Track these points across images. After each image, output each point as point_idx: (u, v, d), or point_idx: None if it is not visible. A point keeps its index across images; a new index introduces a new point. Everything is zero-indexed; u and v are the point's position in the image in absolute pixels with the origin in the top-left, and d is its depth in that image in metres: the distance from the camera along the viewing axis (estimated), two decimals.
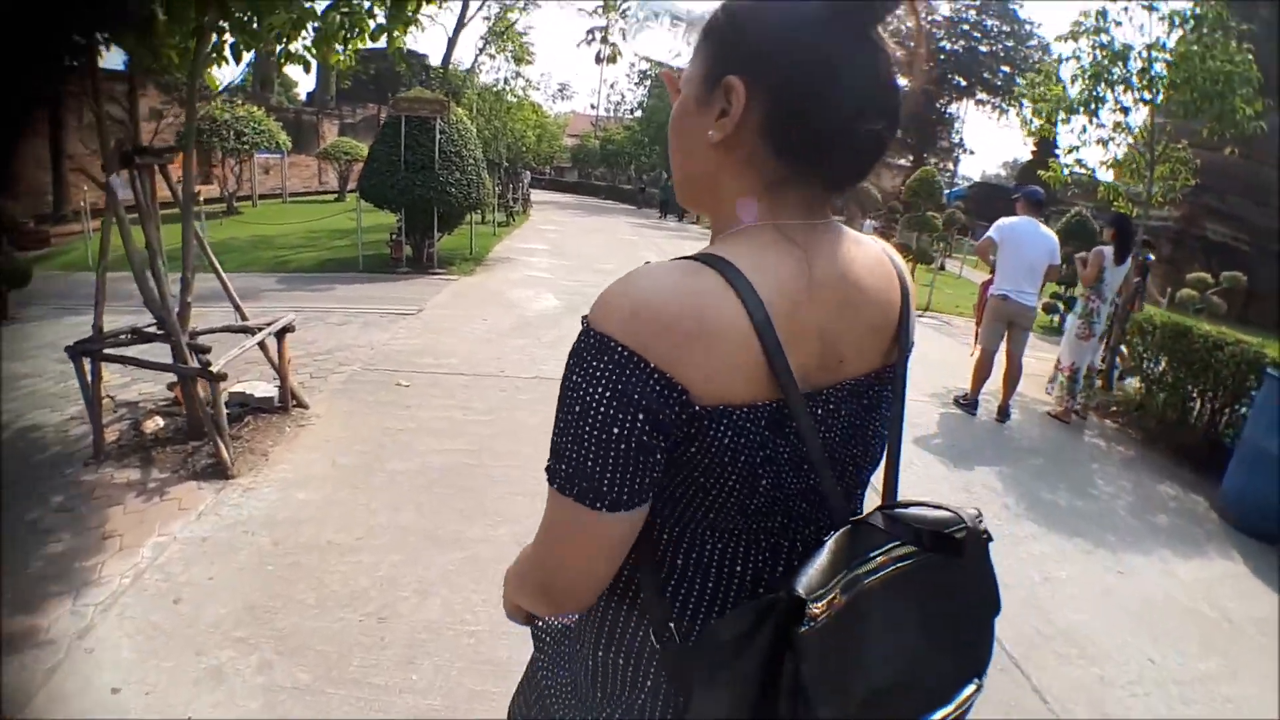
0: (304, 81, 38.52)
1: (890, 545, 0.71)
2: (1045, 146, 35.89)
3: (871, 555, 0.70)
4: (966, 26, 41.30)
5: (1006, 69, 40.46)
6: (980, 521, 0.74)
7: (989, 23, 41.36)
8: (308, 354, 6.45)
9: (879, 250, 0.84)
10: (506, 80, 19.73)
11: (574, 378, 0.67)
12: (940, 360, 8.48)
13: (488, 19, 18.89)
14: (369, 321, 7.72)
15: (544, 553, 0.74)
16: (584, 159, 47.46)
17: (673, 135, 0.84)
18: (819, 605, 0.63)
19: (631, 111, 41.03)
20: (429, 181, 10.44)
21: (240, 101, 21.56)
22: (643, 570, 0.79)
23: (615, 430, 0.64)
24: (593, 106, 56.83)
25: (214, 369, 4.06)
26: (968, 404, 6.56)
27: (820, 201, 0.77)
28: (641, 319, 0.64)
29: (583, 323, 0.69)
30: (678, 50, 32.63)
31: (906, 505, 0.73)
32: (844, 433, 0.79)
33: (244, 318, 4.92)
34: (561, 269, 12.56)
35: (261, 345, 4.82)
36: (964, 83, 41.64)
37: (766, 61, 0.71)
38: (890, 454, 0.87)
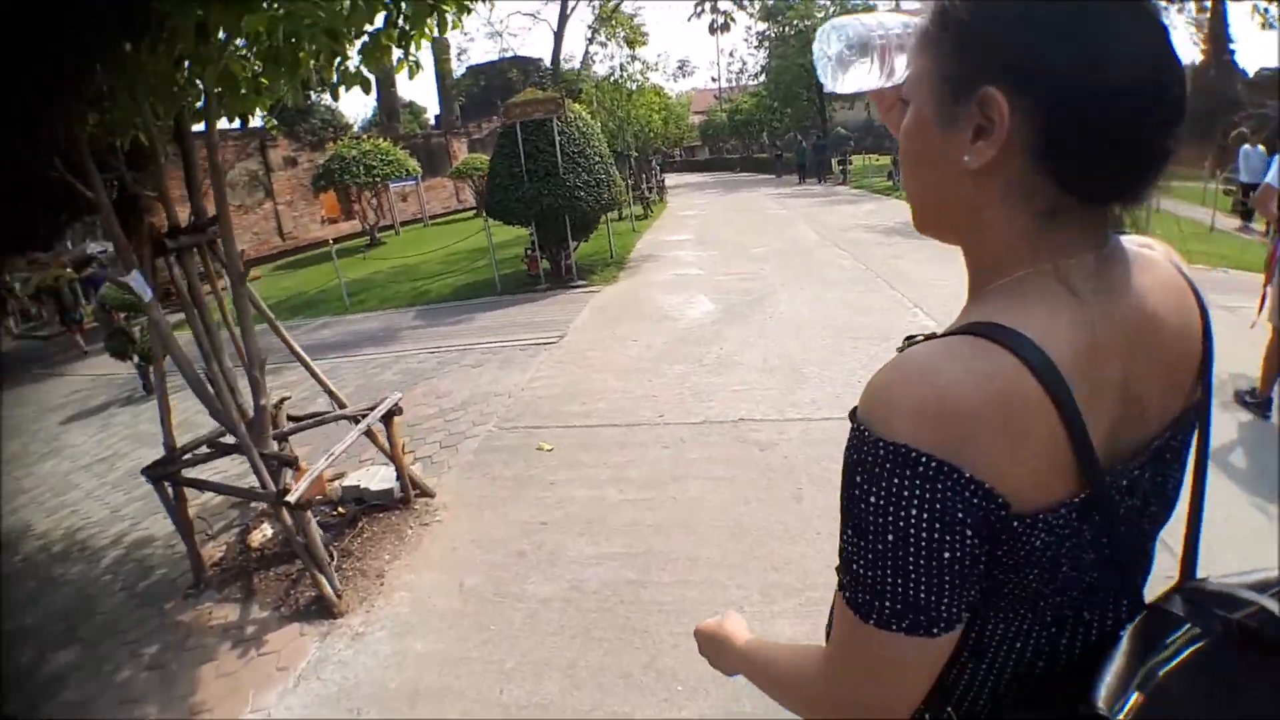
0: (432, 105, 39.64)
1: (1186, 628, 0.60)
2: (1218, 43, 30.02)
3: (1168, 642, 0.59)
4: None
5: None
6: None
7: None
8: (439, 410, 5.59)
9: (1168, 265, 0.69)
10: (623, 66, 18.48)
11: (873, 500, 0.57)
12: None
13: (592, 6, 17.71)
14: (507, 358, 6.80)
15: (853, 687, 0.65)
16: (713, 134, 45.73)
17: (905, 158, 0.68)
18: (1121, 717, 0.55)
19: (754, 77, 38.60)
20: (555, 189, 9.46)
21: (367, 135, 22.06)
22: None
23: (947, 555, 0.56)
24: (713, 79, 54.75)
25: (296, 490, 3.11)
26: (1257, 402, 4.56)
27: (1104, 222, 0.63)
28: (946, 421, 0.55)
29: (854, 423, 0.60)
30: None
31: (1209, 583, 0.64)
32: (1145, 497, 0.67)
33: (340, 404, 4.01)
34: (711, 261, 11.21)
35: (369, 432, 3.90)
36: None
37: (1036, 64, 0.56)
38: (1192, 515, 0.75)
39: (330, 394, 4.05)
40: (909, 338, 0.71)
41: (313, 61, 3.13)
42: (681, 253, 12.40)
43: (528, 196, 9.52)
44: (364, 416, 3.86)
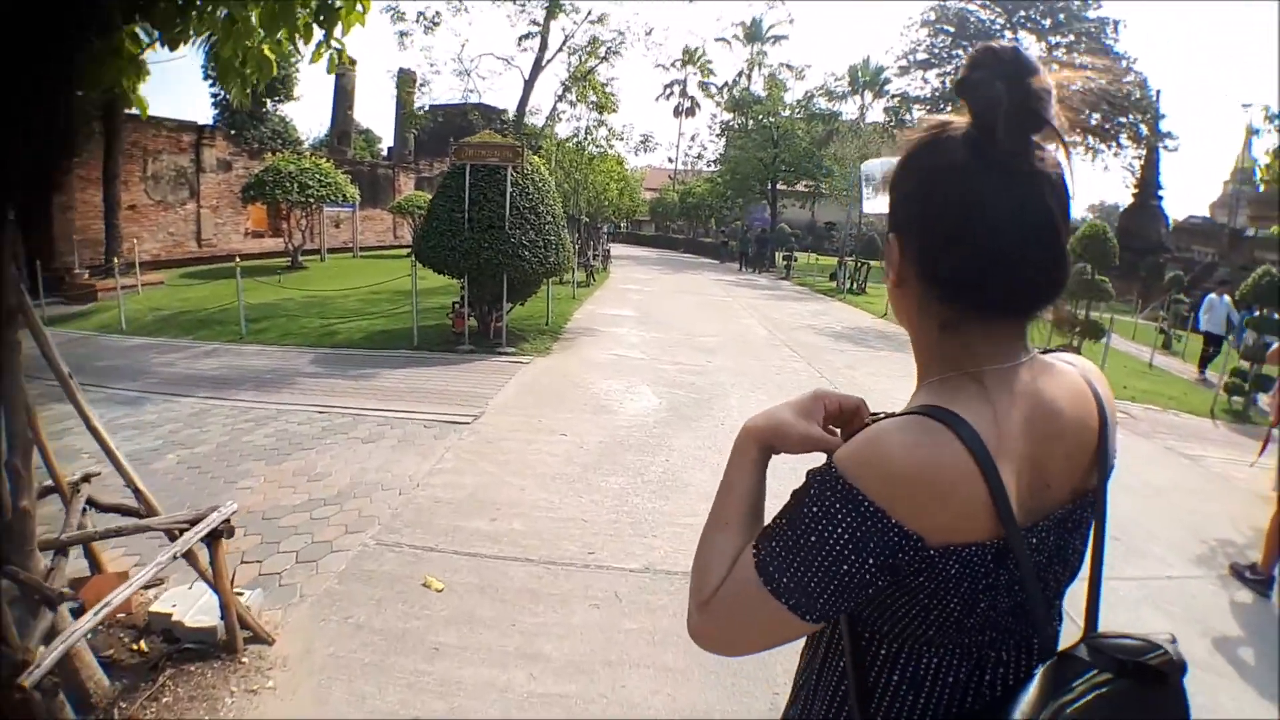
0: (389, 136, 38.51)
1: (1090, 674, 0.74)
2: (1147, 189, 32.54)
3: (1074, 685, 0.73)
4: (1056, 65, 37.83)
5: (1101, 109, 36.78)
6: (1175, 645, 0.77)
7: (1081, 60, 37.82)
8: (307, 501, 4.37)
9: (1078, 376, 0.87)
10: (589, 129, 17.90)
11: (814, 509, 0.75)
12: (1180, 494, 5.68)
13: (568, 63, 17.20)
14: (408, 436, 5.64)
15: (726, 611, 0.81)
16: (662, 212, 46.03)
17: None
18: None
19: (709, 164, 39.29)
20: (498, 242, 8.49)
21: (310, 153, 20.73)
22: (853, 688, 0.84)
23: (845, 568, 0.73)
24: (670, 160, 55.82)
25: (38, 666, 1.91)
26: (1259, 579, 4.09)
27: (1010, 335, 0.82)
28: (886, 477, 0.72)
29: (829, 461, 0.77)
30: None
31: (1108, 636, 0.78)
32: (1050, 555, 0.82)
33: (149, 509, 2.82)
34: (656, 344, 10.36)
35: (188, 553, 2.71)
36: None
37: (912, 214, 0.82)
38: (1092, 582, 0.89)
39: (136, 493, 2.85)
40: (873, 414, 0.90)
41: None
42: (623, 330, 11.52)
43: (466, 246, 8.50)
44: (181, 532, 2.69)
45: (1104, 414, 0.85)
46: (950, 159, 0.77)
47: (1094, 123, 37.43)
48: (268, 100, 40.01)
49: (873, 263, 22.11)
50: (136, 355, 8.77)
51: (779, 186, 32.92)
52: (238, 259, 11.22)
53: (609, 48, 17.10)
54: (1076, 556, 0.86)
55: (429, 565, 3.63)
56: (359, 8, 2.30)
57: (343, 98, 30.29)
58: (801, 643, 0.93)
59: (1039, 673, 0.75)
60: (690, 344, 10.54)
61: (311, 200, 18.78)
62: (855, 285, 21.32)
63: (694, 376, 8.24)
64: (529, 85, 16.94)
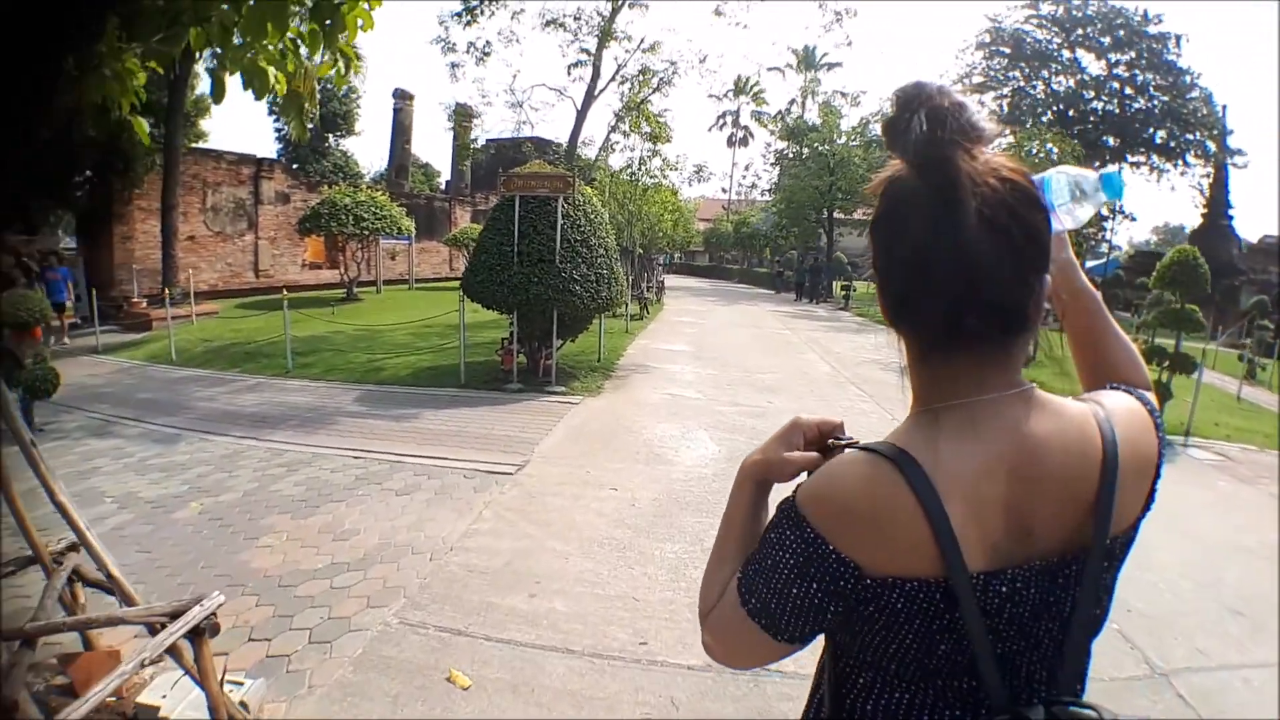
0: (445, 170, 39.25)
1: None
2: (1217, 208, 30.54)
3: None
4: (1117, 84, 36.17)
5: (1166, 126, 34.80)
6: None
7: (1144, 77, 36.09)
8: (329, 565, 3.95)
9: (1085, 417, 0.81)
10: (642, 160, 17.60)
11: (773, 534, 0.81)
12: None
13: (621, 92, 16.96)
14: (445, 488, 5.20)
15: (719, 628, 0.88)
16: (716, 242, 45.61)
17: None
18: None
19: (764, 193, 38.64)
20: (548, 277, 8.12)
21: (367, 187, 21.00)
22: (829, 711, 0.89)
23: (795, 590, 0.78)
24: (724, 190, 55.52)
25: None
26: None
27: (980, 367, 0.79)
28: (828, 508, 0.77)
29: (796, 489, 0.81)
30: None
31: (1071, 703, 0.75)
32: (1034, 607, 0.77)
33: (125, 598, 2.41)
34: (712, 383, 9.80)
35: (173, 648, 2.28)
36: (1115, 143, 36.01)
37: (879, 256, 0.82)
38: (1071, 640, 0.81)
39: (111, 579, 2.44)
40: (848, 440, 0.91)
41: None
42: (677, 367, 11.00)
43: (515, 281, 8.15)
44: (162, 625, 2.27)
45: (1111, 463, 0.78)
46: (890, 200, 0.79)
47: (1158, 141, 35.66)
48: (329, 135, 41.49)
49: None
50: (180, 388, 8.66)
51: (835, 215, 32.15)
52: (285, 291, 11.14)
53: (661, 78, 16.86)
54: (1085, 614, 0.79)
55: (456, 653, 3.13)
56: (365, 4, 1.88)
57: (400, 132, 30.92)
58: None
59: None
60: (749, 382, 9.95)
61: (366, 232, 18.95)
62: None
63: (755, 419, 7.65)
64: (581, 115, 16.80)
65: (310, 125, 2.50)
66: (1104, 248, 32.12)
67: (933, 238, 0.74)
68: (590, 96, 16.65)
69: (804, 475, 0.85)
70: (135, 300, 14.39)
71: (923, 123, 0.74)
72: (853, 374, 11.17)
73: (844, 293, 26.81)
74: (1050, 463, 0.76)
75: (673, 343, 13.76)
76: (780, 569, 0.78)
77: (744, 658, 0.91)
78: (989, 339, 0.77)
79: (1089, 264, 28.08)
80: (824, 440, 0.92)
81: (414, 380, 9.16)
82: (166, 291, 12.40)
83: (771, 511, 0.86)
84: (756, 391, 9.29)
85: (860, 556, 0.74)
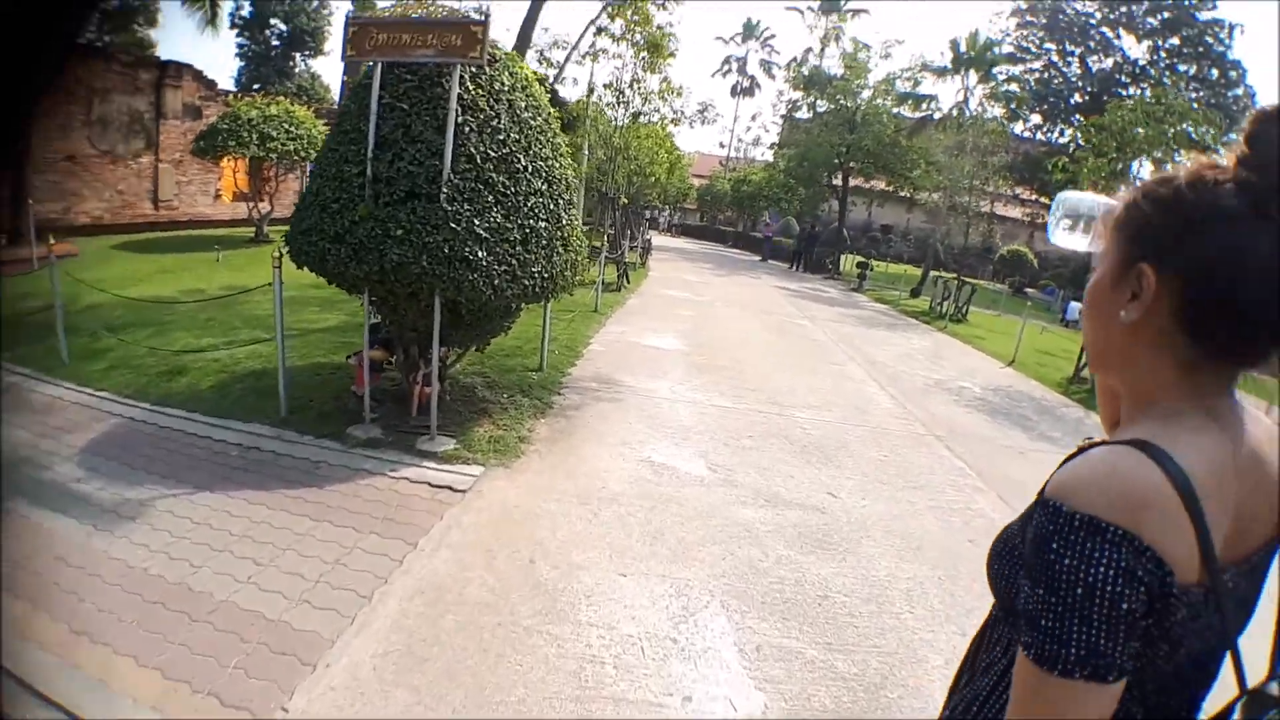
0: None
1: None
2: None
3: (1264, 717, 0.72)
4: (1155, 72, 32.72)
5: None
6: None
7: (1184, 67, 32.72)
8: None
9: (1268, 420, 0.85)
10: (635, 78, 13.19)
11: (1067, 561, 0.69)
12: None
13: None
14: None
15: None
16: (711, 201, 41.12)
17: (1089, 306, 0.88)
18: None
19: (771, 147, 34.22)
20: (424, 227, 4.04)
21: (283, 96, 16.38)
22: None
23: (1124, 606, 0.68)
24: (721, 145, 50.88)
25: None
26: None
27: (1232, 379, 0.80)
28: (1126, 501, 0.69)
29: (1045, 502, 0.73)
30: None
31: None
32: (1238, 603, 0.79)
33: None
34: (725, 425, 5.84)
35: None
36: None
37: (1178, 250, 0.76)
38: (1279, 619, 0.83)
39: None
40: (1085, 441, 0.83)
41: None
42: (666, 384, 6.96)
43: (364, 234, 4.07)
44: None
45: None
46: (1226, 204, 0.74)
47: (1194, 137, 32.05)
48: (295, 54, 36.12)
49: (977, 283, 17.31)
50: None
51: (850, 182, 28.05)
52: (51, 241, 6.92)
53: None
54: (1254, 602, 0.82)
55: None
56: None
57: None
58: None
59: (1237, 707, 0.74)
60: (782, 427, 5.99)
61: (273, 156, 14.44)
62: (957, 310, 16.49)
63: (816, 556, 3.73)
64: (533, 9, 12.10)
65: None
66: None
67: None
68: None
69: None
70: None
71: None
72: (924, 413, 7.28)
73: (859, 270, 22.77)
74: (1268, 464, 0.79)
75: (659, 334, 9.65)
76: (1097, 591, 0.67)
77: None
78: (1270, 356, 0.77)
79: None
80: None
81: (215, 399, 5.09)
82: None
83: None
84: (799, 454, 5.34)
85: (1170, 555, 0.69)
